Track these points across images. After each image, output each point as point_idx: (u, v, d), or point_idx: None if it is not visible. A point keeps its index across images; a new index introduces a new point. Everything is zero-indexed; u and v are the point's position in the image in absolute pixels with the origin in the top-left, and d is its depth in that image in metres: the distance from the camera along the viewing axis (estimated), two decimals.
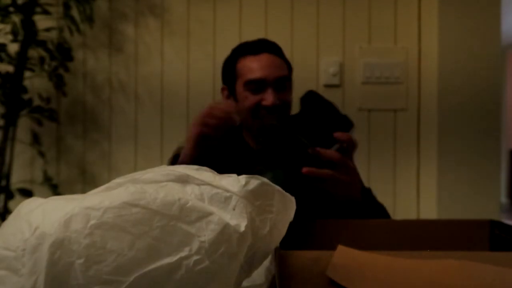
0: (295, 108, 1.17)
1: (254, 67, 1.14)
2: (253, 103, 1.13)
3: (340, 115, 0.94)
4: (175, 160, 1.16)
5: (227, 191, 0.48)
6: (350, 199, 0.95)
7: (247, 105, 1.14)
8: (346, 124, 0.93)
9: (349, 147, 0.92)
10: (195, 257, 0.45)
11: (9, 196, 1.66)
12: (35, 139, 1.74)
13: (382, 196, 1.82)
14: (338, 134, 0.90)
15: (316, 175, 0.88)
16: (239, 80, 1.17)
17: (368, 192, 1.06)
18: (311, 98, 0.97)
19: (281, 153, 0.91)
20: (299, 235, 0.75)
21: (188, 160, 1.03)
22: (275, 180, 0.55)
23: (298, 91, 1.84)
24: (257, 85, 1.13)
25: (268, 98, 1.12)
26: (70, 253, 0.44)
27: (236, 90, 1.18)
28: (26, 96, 1.69)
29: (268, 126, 0.98)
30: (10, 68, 1.69)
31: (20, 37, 1.65)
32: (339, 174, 0.89)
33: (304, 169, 0.87)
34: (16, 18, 1.65)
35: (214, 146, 1.04)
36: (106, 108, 1.86)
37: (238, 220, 0.47)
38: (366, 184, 1.07)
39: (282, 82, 1.16)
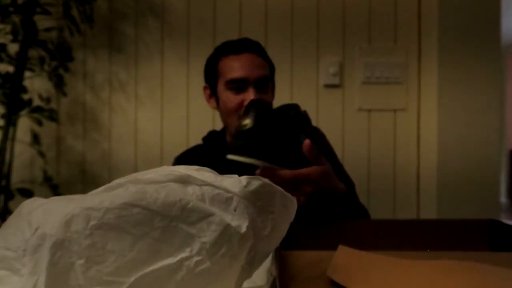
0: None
1: (235, 66, 1.13)
2: (235, 104, 1.12)
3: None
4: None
5: (228, 191, 0.48)
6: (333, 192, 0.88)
7: (229, 106, 1.13)
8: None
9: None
10: (196, 258, 0.45)
11: (9, 196, 1.66)
12: (35, 139, 1.73)
13: (382, 196, 1.84)
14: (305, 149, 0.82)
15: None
16: (220, 79, 1.15)
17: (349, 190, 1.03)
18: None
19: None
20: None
21: None
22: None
23: (298, 91, 1.85)
24: (238, 84, 1.12)
25: (250, 97, 1.10)
26: (71, 254, 0.44)
27: (217, 89, 1.17)
28: (26, 96, 1.69)
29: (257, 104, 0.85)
30: (10, 68, 1.69)
31: (20, 37, 1.65)
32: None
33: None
34: (16, 18, 1.65)
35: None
36: (106, 108, 1.86)
37: (239, 221, 0.47)
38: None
39: (264, 82, 1.14)
